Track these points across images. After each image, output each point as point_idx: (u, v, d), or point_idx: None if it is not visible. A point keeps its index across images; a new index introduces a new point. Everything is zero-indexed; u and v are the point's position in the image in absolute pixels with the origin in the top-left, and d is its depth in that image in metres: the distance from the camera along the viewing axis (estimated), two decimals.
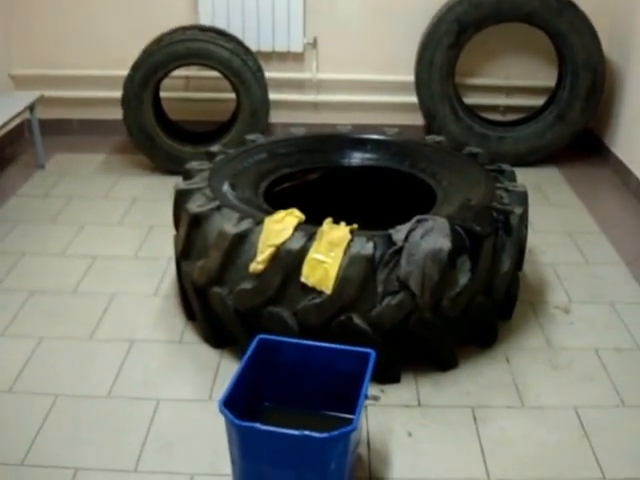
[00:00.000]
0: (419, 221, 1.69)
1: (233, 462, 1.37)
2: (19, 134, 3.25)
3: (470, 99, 3.14)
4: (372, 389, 1.66)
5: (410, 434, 1.57)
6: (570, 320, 1.99)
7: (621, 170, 2.87)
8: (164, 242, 2.24)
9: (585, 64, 2.83)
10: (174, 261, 1.99)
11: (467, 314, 1.72)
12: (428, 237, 1.63)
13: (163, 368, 1.78)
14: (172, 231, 2.00)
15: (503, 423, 1.61)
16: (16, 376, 1.73)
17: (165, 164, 2.89)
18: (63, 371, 1.76)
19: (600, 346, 1.87)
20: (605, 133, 3.08)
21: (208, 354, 1.83)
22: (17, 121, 3.16)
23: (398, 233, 1.65)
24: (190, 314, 1.95)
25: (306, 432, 1.25)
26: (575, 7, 2.78)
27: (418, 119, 3.10)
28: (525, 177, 2.82)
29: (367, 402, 1.58)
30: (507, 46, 3.10)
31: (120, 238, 2.44)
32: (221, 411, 1.29)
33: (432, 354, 1.76)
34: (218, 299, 1.74)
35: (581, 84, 2.86)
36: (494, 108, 3.20)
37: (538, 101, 3.11)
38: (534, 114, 3.05)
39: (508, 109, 3.20)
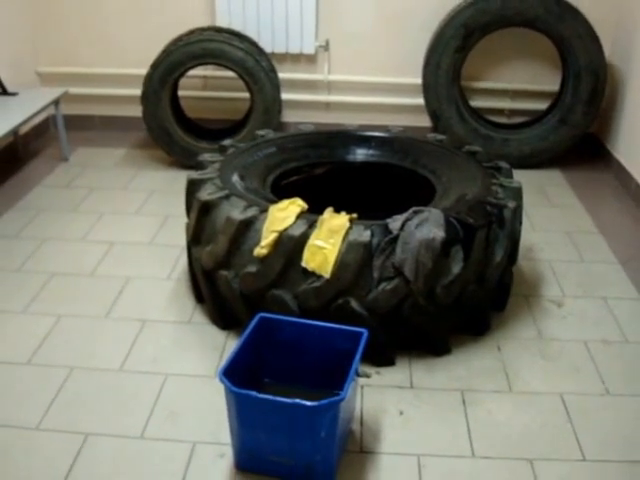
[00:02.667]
0: (415, 212, 1.76)
1: (232, 431, 1.46)
2: (45, 128, 3.40)
3: (476, 102, 3.21)
4: (368, 370, 1.75)
5: (401, 413, 1.64)
6: (562, 313, 2.05)
7: (622, 174, 2.92)
8: (179, 231, 2.35)
9: (587, 68, 2.88)
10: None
11: (460, 302, 1.79)
12: (422, 227, 1.71)
13: (172, 346, 1.87)
14: (186, 221, 2.08)
15: (490, 406, 1.67)
16: (35, 349, 1.84)
17: (182, 159, 3.00)
18: (79, 346, 1.86)
19: (589, 338, 1.93)
20: (607, 138, 3.13)
21: (215, 334, 1.91)
22: (43, 116, 3.32)
23: (394, 222, 1.73)
24: (199, 297, 2.04)
25: (297, 400, 1.33)
26: (578, 13, 2.84)
27: (425, 120, 3.17)
28: (529, 179, 2.92)
29: (362, 381, 1.67)
30: (512, 51, 3.16)
31: (137, 226, 2.54)
32: (220, 380, 1.37)
33: (426, 339, 1.83)
34: (225, 282, 1.83)
35: (583, 88, 2.91)
36: (499, 111, 3.26)
37: (542, 105, 3.16)
38: (538, 117, 3.11)
39: (513, 112, 3.26)
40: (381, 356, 1.79)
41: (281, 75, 3.05)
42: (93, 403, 1.66)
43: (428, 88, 3.01)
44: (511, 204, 1.88)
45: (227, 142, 2.30)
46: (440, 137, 2.36)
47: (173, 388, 1.71)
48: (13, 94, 2.97)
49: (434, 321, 1.78)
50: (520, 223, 2.00)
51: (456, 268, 1.73)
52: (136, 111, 3.05)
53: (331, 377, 1.54)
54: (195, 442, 1.54)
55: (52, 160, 3.12)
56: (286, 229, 1.72)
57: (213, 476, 1.46)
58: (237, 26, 3.09)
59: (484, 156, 2.20)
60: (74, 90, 3.27)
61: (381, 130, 2.41)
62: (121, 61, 3.31)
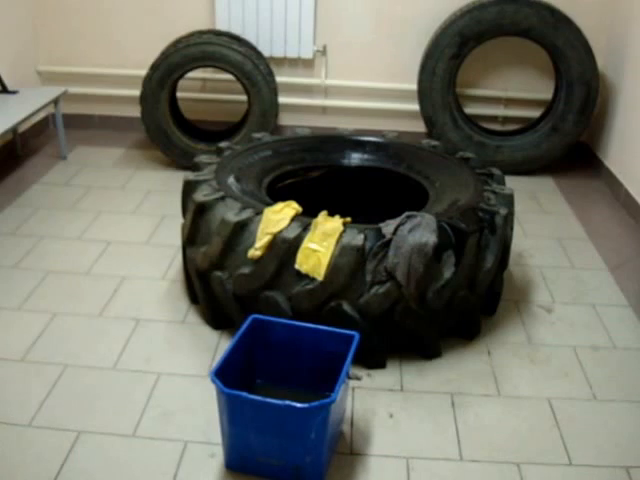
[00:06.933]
0: (408, 217, 1.78)
1: (223, 431, 1.46)
2: (44, 127, 3.42)
3: (470, 109, 3.25)
4: (359, 372, 1.76)
5: (391, 416, 1.65)
6: (552, 319, 2.07)
7: (612, 182, 2.96)
8: (174, 231, 2.37)
9: (579, 78, 2.93)
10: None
11: (451, 306, 1.81)
12: (415, 232, 1.73)
13: (166, 345, 1.88)
14: (182, 221, 2.09)
15: (479, 410, 1.68)
16: (29, 347, 1.85)
17: (179, 160, 3.03)
18: (73, 344, 1.86)
19: (578, 344, 1.96)
20: (598, 146, 3.18)
21: (208, 335, 1.92)
22: (42, 114, 3.34)
23: (387, 227, 1.75)
24: (194, 297, 2.06)
25: (287, 402, 1.34)
26: (571, 23, 2.88)
27: (420, 126, 3.21)
28: (521, 185, 2.96)
29: (353, 383, 1.68)
30: (506, 59, 3.20)
31: (133, 226, 2.56)
32: (212, 381, 1.38)
33: (417, 343, 1.85)
34: (219, 283, 1.85)
35: (575, 97, 2.95)
36: (493, 118, 3.30)
37: (535, 113, 3.21)
38: (531, 125, 3.15)
39: (507, 119, 3.30)
40: (372, 359, 1.81)
41: (279, 79, 3.08)
42: (86, 401, 1.67)
43: (423, 94, 3.04)
44: (503, 210, 1.90)
45: (224, 144, 2.33)
46: (434, 143, 2.38)
47: (166, 387, 1.72)
48: (13, 92, 2.98)
49: (425, 325, 1.80)
50: (511, 229, 2.02)
51: (447, 273, 1.75)
52: (135, 111, 3.08)
53: (322, 379, 1.56)
54: (186, 441, 1.55)
55: (51, 158, 3.14)
56: (280, 231, 1.74)
57: (204, 475, 1.47)
58: (236, 30, 3.12)
59: (477, 162, 2.23)
60: (74, 89, 3.29)
61: (376, 135, 2.43)
62: (121, 62, 3.33)
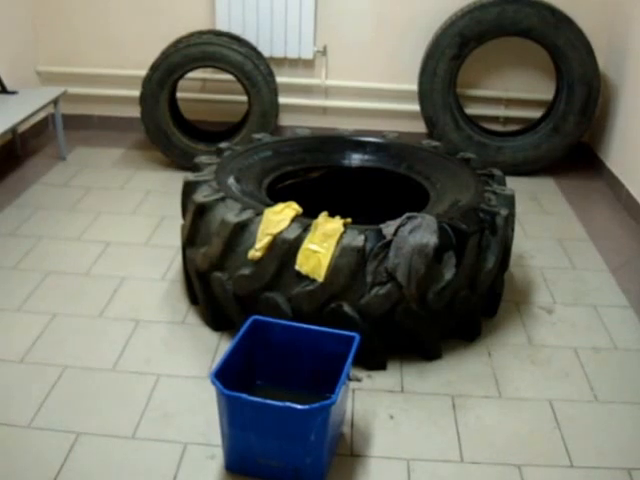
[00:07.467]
0: (409, 218, 1.78)
1: (222, 433, 1.46)
2: (44, 127, 3.42)
3: (471, 109, 3.24)
4: (360, 374, 1.76)
5: (392, 417, 1.65)
6: (552, 320, 2.07)
7: (613, 182, 2.96)
8: (174, 232, 2.36)
9: (581, 78, 2.92)
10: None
11: (451, 307, 1.81)
12: (416, 233, 1.73)
13: (165, 347, 1.88)
14: (182, 222, 2.10)
15: (480, 411, 1.68)
16: (29, 348, 1.84)
17: (179, 160, 3.03)
18: (73, 345, 1.86)
19: (579, 345, 1.95)
20: (599, 147, 3.17)
21: (208, 336, 1.92)
22: (42, 115, 3.34)
23: (388, 228, 1.75)
24: (193, 298, 2.05)
25: (287, 403, 1.34)
26: (572, 23, 2.88)
27: (420, 127, 3.20)
28: (522, 186, 2.96)
29: (354, 385, 1.68)
30: (507, 60, 3.20)
31: (133, 226, 2.56)
32: (212, 382, 1.37)
33: (417, 344, 1.85)
34: (219, 284, 1.84)
35: (576, 98, 2.95)
36: (494, 119, 3.30)
37: (536, 113, 3.21)
38: (532, 125, 3.14)
39: (508, 120, 3.30)
40: (373, 360, 1.81)
41: (279, 79, 3.07)
42: (85, 402, 1.66)
43: (424, 95, 3.04)
44: (503, 211, 1.90)
45: (224, 144, 2.32)
46: (435, 143, 2.38)
47: (165, 389, 1.72)
48: (12, 92, 2.98)
49: (426, 326, 1.80)
50: (512, 230, 2.02)
51: (448, 274, 1.75)
52: (134, 112, 3.07)
53: (323, 380, 1.56)
54: (186, 443, 1.55)
55: (50, 159, 3.14)
56: (281, 232, 1.74)
57: (203, 477, 1.47)
58: (236, 30, 3.12)
59: (478, 163, 2.23)
60: (73, 90, 3.29)
61: (376, 136, 2.43)
62: (121, 62, 3.33)
